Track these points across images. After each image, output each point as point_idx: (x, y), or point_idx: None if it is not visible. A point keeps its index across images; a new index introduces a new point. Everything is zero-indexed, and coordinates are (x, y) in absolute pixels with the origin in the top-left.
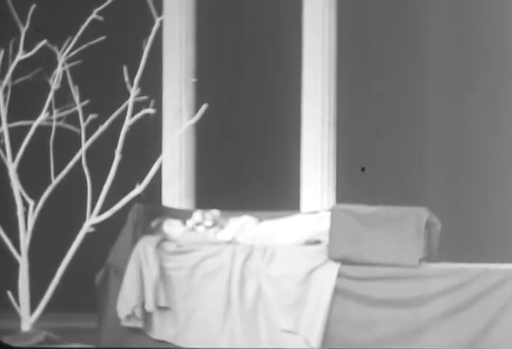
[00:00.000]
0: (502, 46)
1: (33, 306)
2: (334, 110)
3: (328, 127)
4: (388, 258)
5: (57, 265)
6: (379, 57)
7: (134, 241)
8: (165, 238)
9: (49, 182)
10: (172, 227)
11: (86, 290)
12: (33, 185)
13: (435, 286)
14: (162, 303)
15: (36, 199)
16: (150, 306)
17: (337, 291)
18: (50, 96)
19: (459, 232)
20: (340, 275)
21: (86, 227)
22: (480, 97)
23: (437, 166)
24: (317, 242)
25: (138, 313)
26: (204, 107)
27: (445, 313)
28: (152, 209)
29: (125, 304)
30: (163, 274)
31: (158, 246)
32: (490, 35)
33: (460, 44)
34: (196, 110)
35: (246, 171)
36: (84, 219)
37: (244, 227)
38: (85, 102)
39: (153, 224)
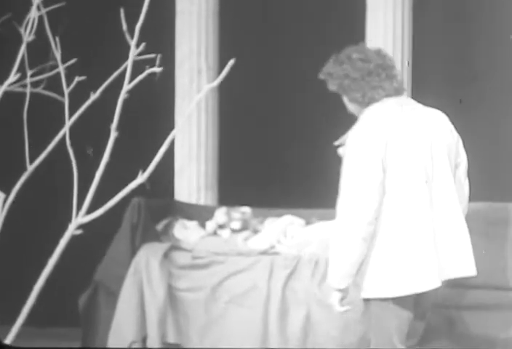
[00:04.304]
0: None
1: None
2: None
3: None
4: (488, 278)
5: (36, 276)
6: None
7: (133, 250)
8: (176, 246)
9: (24, 168)
10: (185, 230)
11: (71, 304)
12: (2, 172)
13: None
14: (171, 339)
15: (7, 191)
16: (154, 342)
17: None
18: (22, 51)
19: None
20: None
21: (72, 229)
22: None
23: None
24: None
25: None
26: (231, 63)
27: None
28: (158, 206)
29: (119, 339)
30: (172, 297)
31: (166, 257)
32: None
33: None
34: (220, 71)
35: (289, 153)
36: (69, 219)
37: (285, 231)
38: (71, 62)
39: (160, 226)
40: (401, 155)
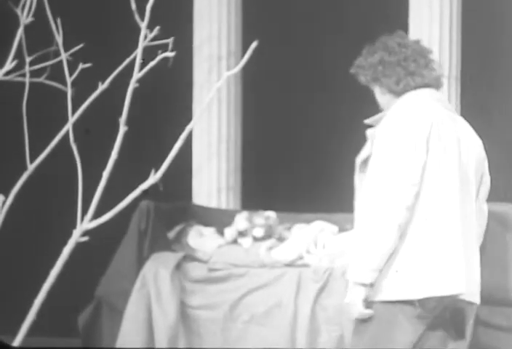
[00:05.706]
0: None
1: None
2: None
3: (448, 81)
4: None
5: (38, 285)
6: None
7: (140, 260)
8: (190, 257)
9: (24, 168)
10: (201, 238)
11: (73, 315)
12: (0, 172)
13: None
14: None
15: (5, 192)
16: None
17: None
18: (19, 35)
19: None
20: None
21: (76, 236)
22: None
23: None
24: None
25: None
26: (253, 47)
27: None
28: (170, 210)
29: None
30: (185, 315)
31: (179, 268)
32: None
33: None
34: (242, 57)
35: (321, 148)
36: (73, 224)
37: (316, 239)
38: (77, 48)
39: (172, 233)
40: (441, 146)
